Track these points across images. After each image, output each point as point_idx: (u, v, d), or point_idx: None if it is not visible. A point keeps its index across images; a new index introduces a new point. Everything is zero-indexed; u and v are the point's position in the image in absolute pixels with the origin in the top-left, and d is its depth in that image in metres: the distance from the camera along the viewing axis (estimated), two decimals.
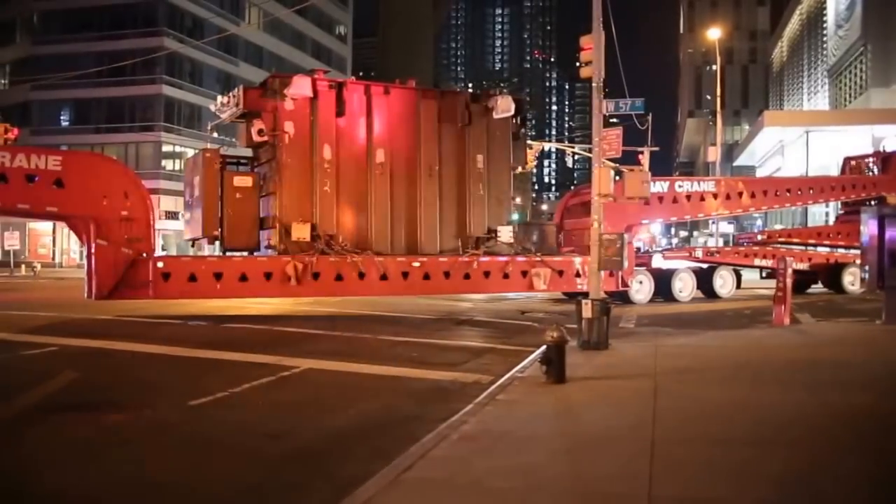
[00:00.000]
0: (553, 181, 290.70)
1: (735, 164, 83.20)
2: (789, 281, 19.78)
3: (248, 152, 25.24)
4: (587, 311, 14.83)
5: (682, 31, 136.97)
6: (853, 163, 36.48)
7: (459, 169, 25.10)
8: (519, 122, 26.56)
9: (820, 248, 34.04)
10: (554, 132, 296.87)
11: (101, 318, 21.08)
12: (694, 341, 16.87)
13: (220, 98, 24.73)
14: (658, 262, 29.38)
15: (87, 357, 14.83)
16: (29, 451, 8.36)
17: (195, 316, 21.87)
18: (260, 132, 22.64)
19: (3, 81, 77.13)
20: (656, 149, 40.35)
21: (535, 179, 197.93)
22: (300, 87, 22.79)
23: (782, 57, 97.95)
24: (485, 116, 25.36)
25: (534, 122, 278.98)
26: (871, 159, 35.54)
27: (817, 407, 9.95)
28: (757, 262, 31.86)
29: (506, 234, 25.12)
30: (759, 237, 37.63)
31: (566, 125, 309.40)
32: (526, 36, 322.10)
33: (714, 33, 61.80)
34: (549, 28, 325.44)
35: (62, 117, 73.77)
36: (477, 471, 7.27)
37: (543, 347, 11.65)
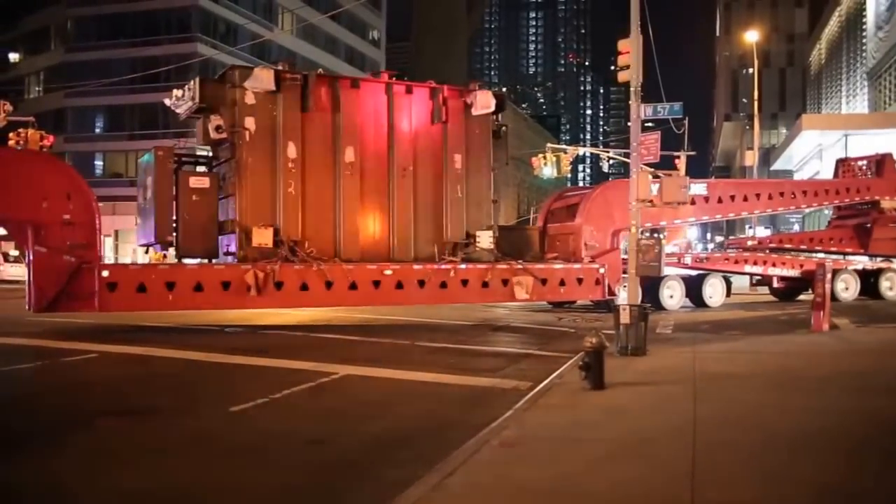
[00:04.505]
0: (588, 186, 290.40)
1: (772, 168, 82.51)
2: (828, 287, 19.50)
3: (206, 150, 23.89)
4: (625, 316, 14.72)
5: (718, 33, 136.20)
6: (846, 166, 36.02)
7: (436, 169, 23.66)
8: (500, 119, 25.15)
9: (814, 255, 33.42)
10: (588, 136, 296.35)
11: (138, 324, 21.06)
12: (733, 347, 16.77)
13: (175, 91, 22.84)
14: None
15: (127, 363, 14.92)
16: (73, 458, 8.41)
17: (231, 324, 21.53)
18: (218, 129, 21.17)
19: (37, 88, 78.04)
20: (693, 153, 40.07)
21: (569, 184, 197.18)
22: (261, 79, 21.32)
23: (820, 59, 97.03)
24: (463, 113, 23.95)
25: (568, 126, 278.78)
26: (864, 162, 34.98)
27: (860, 413, 9.80)
28: (747, 268, 31.03)
29: (485, 239, 23.65)
30: (749, 243, 37.07)
31: (601, 129, 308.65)
32: (560, 40, 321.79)
33: (751, 36, 61.28)
34: (583, 31, 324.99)
35: (96, 124, 74.53)
36: (519, 476, 7.24)
37: (582, 353, 11.57)
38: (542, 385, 11.81)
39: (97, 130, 74.10)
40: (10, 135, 33.60)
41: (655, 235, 24.36)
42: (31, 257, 19.36)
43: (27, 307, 19.49)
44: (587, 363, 11.24)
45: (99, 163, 72.67)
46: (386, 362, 14.69)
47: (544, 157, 44.14)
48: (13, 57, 79.31)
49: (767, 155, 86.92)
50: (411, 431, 9.60)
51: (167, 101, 23.19)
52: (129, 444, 9.01)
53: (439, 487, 6.91)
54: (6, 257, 46.90)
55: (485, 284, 23.20)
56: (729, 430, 8.93)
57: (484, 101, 23.74)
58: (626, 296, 24.17)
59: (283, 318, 22.90)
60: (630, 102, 17.81)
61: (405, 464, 7.99)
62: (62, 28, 75.52)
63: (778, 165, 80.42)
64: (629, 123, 18.43)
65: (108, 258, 64.32)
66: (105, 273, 19.64)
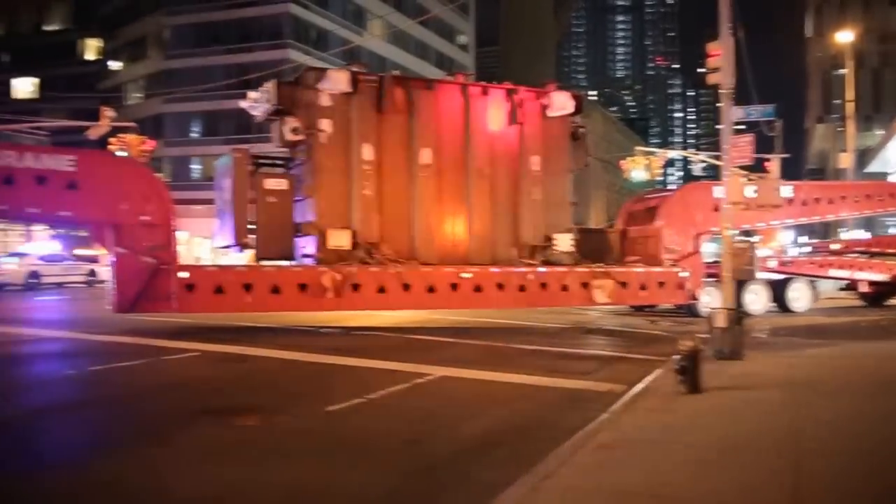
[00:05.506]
0: (667, 188, 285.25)
1: (867, 170, 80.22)
2: None
3: (283, 152, 23.56)
4: (720, 320, 14.54)
5: (809, 34, 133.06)
6: None
7: (513, 171, 23.39)
8: (578, 120, 24.47)
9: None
10: (679, 139, 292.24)
11: (235, 325, 21.37)
12: (833, 352, 16.32)
13: (251, 93, 22.87)
14: None
15: (227, 362, 15.23)
16: (173, 454, 8.65)
17: (325, 324, 21.59)
18: (294, 130, 21.19)
19: (137, 95, 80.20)
20: (787, 156, 39.17)
21: (660, 187, 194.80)
22: (337, 81, 21.26)
23: None
24: (540, 114, 23.62)
25: (658, 129, 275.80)
26: None
27: None
28: (832, 272, 29.84)
29: (564, 242, 23.35)
30: (833, 246, 35.69)
31: (691, 132, 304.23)
32: (649, 42, 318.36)
33: (844, 37, 59.69)
34: (670, 34, 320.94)
35: (193, 129, 76.26)
36: (617, 480, 7.23)
37: (677, 357, 11.46)
38: (637, 388, 11.75)
39: (194, 135, 75.82)
40: (113, 139, 34.66)
41: (748, 239, 23.86)
42: (113, 258, 19.62)
43: (109, 307, 19.75)
44: (683, 367, 11.12)
45: (196, 166, 74.35)
46: (480, 364, 14.71)
47: (634, 161, 43.83)
48: (115, 65, 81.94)
49: (863, 157, 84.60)
50: (507, 432, 9.63)
51: (243, 104, 23.28)
52: (230, 440, 9.24)
53: (537, 489, 6.93)
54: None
55: (564, 288, 22.77)
56: (830, 439, 8.76)
57: (561, 103, 23.48)
58: (708, 300, 23.84)
59: (377, 320, 22.89)
60: (721, 105, 17.58)
61: (502, 465, 8.04)
62: (160, 37, 77.51)
63: (873, 168, 78.09)
64: (718, 126, 18.19)
65: (207, 260, 65.93)
66: (183, 274, 19.79)
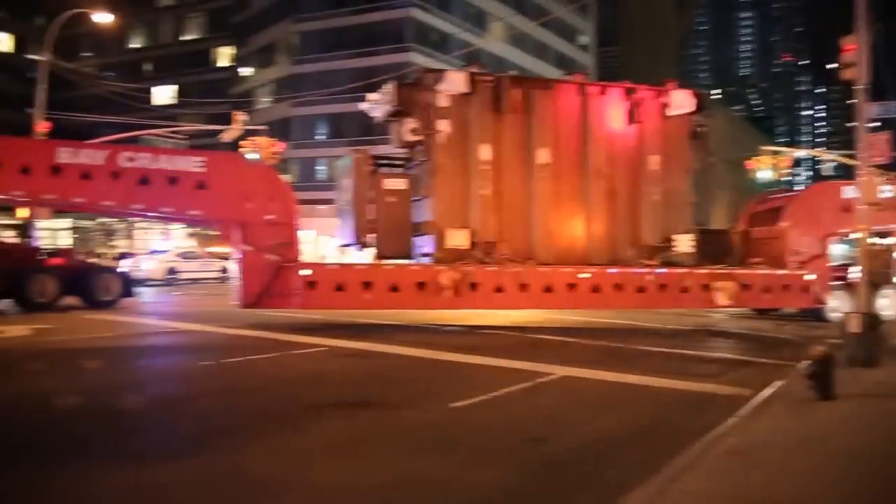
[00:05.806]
0: (792, 189, 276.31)
1: None
2: None
3: (402, 153, 23.70)
4: (854, 325, 14.07)
5: None
6: None
7: (631, 171, 23.01)
8: (699, 119, 23.85)
9: None
10: (807, 138, 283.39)
11: (357, 322, 21.70)
12: None
13: (371, 95, 23.15)
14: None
15: (352, 357, 15.56)
16: (304, 444, 8.91)
17: (448, 323, 21.72)
18: (413, 131, 21.48)
19: (267, 99, 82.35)
20: None
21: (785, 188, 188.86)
22: (454, 82, 21.46)
23: None
24: (660, 113, 23.18)
25: (785, 127, 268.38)
26: None
27: None
28: None
29: (684, 242, 22.83)
30: None
31: (820, 130, 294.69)
32: (778, 39, 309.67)
33: None
34: (797, 30, 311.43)
35: (319, 131, 77.88)
36: (747, 486, 7.13)
37: (807, 362, 11.14)
38: (765, 393, 11.50)
39: (320, 137, 77.45)
40: (245, 142, 35.94)
41: (886, 241, 22.89)
42: (239, 256, 20.41)
43: (236, 303, 20.55)
44: (814, 372, 10.82)
45: (321, 168, 75.85)
46: (602, 364, 14.62)
47: (760, 160, 42.88)
48: (246, 71, 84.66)
49: None
50: (631, 434, 9.61)
51: (362, 106, 23.63)
52: (358, 432, 9.48)
53: (664, 492, 6.90)
54: None
55: (684, 289, 22.27)
56: None
57: (681, 101, 23.12)
58: (836, 304, 22.92)
59: (496, 319, 22.84)
60: (855, 101, 17.03)
61: (626, 466, 8.06)
62: (289, 43, 79.49)
63: None
64: (850, 124, 17.62)
65: (331, 258, 67.33)
66: (306, 272, 20.23)
